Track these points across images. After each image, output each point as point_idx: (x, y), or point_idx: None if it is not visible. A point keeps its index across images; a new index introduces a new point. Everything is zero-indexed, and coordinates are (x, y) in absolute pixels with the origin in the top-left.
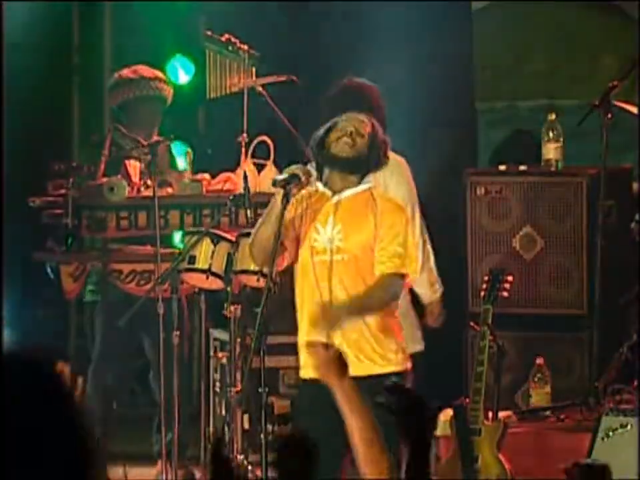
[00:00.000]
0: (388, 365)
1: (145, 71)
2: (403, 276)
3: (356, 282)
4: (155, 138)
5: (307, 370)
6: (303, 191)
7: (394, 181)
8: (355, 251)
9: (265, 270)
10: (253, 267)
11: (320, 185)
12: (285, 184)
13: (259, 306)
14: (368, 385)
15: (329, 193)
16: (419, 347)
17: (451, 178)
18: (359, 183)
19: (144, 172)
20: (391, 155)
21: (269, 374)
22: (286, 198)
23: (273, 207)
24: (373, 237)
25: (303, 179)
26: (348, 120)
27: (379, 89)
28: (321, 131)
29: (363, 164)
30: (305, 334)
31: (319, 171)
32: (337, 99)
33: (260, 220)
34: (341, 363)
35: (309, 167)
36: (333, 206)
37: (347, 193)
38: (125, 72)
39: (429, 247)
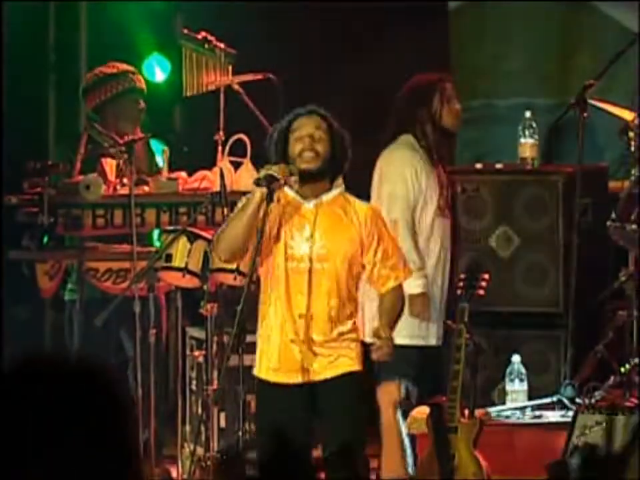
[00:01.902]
0: (355, 364)
1: (121, 65)
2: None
3: (336, 290)
4: (131, 136)
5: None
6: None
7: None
8: (337, 260)
9: (241, 268)
10: (230, 266)
11: (288, 190)
12: (268, 183)
13: (236, 304)
14: (336, 385)
15: (299, 199)
16: (413, 341)
17: None
18: (330, 186)
19: (120, 170)
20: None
21: (246, 372)
22: (270, 197)
23: (246, 205)
24: (358, 247)
25: (281, 179)
26: (303, 126)
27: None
28: (277, 131)
29: (330, 168)
30: (276, 334)
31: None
32: (409, 94)
33: (231, 216)
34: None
35: (290, 166)
36: (310, 212)
37: (323, 198)
38: (103, 69)
39: None
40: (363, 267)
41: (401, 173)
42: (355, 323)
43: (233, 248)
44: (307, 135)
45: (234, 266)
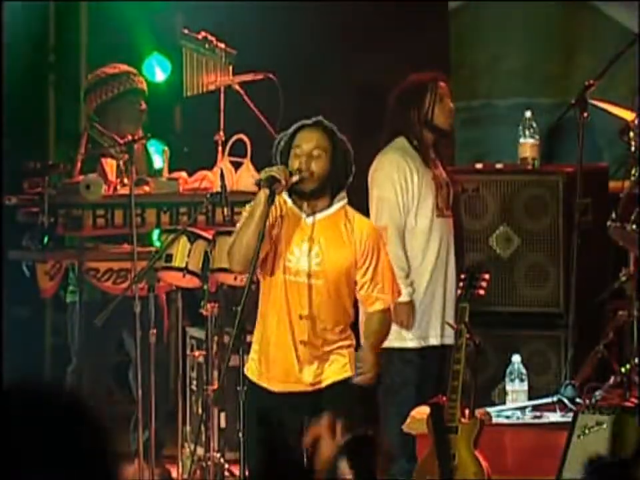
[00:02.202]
0: (347, 370)
1: (122, 66)
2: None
3: (331, 306)
4: (130, 137)
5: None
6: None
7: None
8: (333, 276)
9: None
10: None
11: (289, 201)
12: (269, 184)
13: (236, 304)
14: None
15: (299, 212)
16: (410, 343)
17: None
18: (331, 201)
19: (120, 170)
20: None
21: None
22: (271, 198)
23: (252, 212)
24: (352, 263)
25: (282, 180)
26: (303, 142)
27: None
28: (282, 141)
29: (329, 185)
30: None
31: None
32: (401, 95)
33: (239, 225)
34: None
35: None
36: (309, 227)
37: (322, 214)
38: (105, 70)
39: None
40: (356, 283)
41: (390, 177)
42: (348, 332)
43: (248, 256)
44: (305, 154)
45: None
